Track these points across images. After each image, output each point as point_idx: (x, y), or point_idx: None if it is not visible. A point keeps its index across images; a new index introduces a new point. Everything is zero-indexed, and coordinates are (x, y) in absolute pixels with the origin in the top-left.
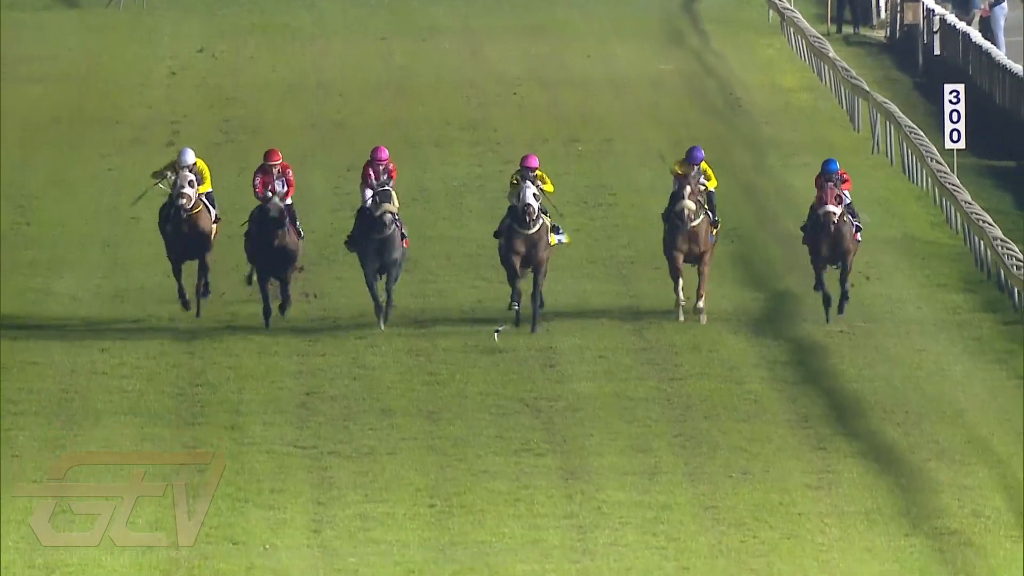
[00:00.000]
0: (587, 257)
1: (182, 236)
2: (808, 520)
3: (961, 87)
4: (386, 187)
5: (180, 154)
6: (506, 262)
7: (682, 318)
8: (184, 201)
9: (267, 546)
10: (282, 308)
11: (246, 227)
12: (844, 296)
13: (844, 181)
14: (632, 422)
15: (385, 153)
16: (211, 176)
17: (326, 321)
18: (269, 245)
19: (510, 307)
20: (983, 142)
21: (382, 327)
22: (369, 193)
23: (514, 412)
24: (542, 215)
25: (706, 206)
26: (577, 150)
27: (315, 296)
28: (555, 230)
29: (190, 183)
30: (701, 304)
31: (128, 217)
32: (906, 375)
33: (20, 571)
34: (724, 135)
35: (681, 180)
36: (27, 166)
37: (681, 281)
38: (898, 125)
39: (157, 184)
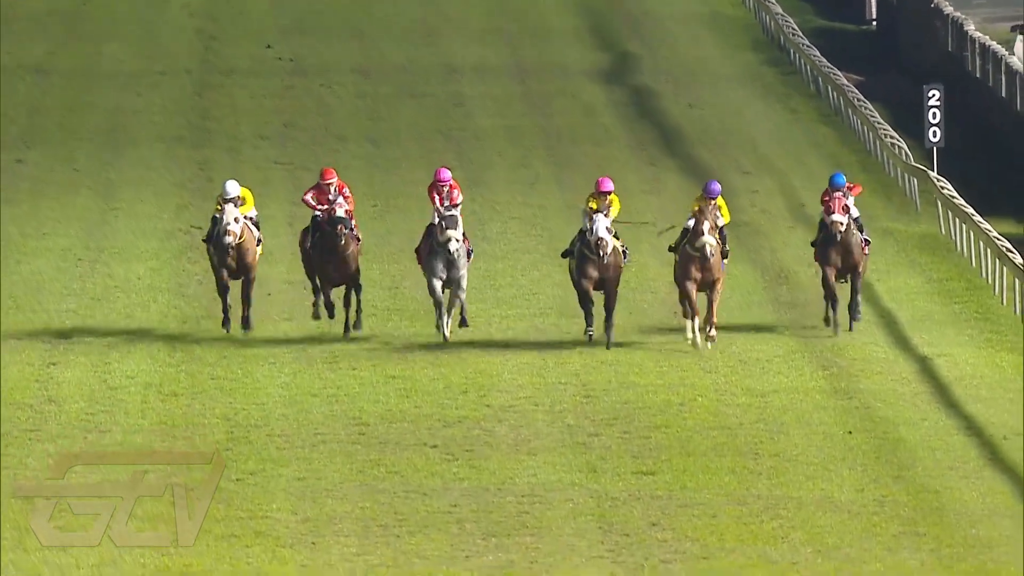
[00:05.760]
0: (511, 65)
1: (227, 262)
2: (642, 216)
3: None
4: (452, 212)
5: (224, 186)
6: (578, 286)
7: (696, 339)
8: (230, 239)
9: None
10: (356, 324)
11: (309, 240)
12: (855, 307)
13: (852, 187)
14: (518, 146)
15: (446, 174)
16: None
17: (292, 70)
18: (333, 249)
19: (585, 333)
20: None
21: (449, 334)
22: (437, 217)
23: (432, 138)
24: (613, 242)
25: (718, 239)
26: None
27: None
28: (623, 254)
29: (236, 219)
30: (713, 332)
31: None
32: (714, 114)
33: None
34: None
35: (699, 215)
36: None
37: (698, 320)
38: None
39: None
